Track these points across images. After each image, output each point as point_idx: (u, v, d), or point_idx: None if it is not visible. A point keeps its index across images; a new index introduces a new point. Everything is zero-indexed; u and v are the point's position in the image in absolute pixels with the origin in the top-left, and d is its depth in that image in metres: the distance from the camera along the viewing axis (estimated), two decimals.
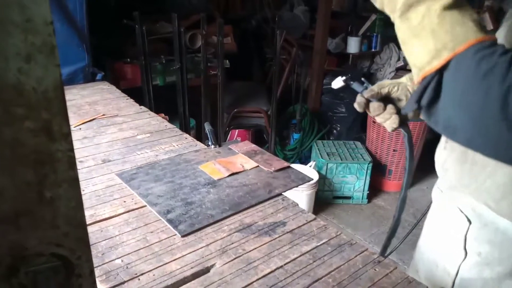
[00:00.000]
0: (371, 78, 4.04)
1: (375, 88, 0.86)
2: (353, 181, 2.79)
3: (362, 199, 2.85)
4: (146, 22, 2.23)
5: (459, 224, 0.85)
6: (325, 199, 2.81)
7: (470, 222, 0.83)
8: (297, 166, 2.55)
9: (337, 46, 3.59)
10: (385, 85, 0.87)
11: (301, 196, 2.53)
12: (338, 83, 0.96)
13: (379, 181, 3.05)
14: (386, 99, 0.86)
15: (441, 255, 0.92)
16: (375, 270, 0.82)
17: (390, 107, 0.85)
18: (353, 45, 3.63)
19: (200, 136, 2.33)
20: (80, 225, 0.42)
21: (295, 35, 3.52)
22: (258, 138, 3.16)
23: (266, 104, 2.99)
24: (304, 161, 3.12)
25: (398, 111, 0.86)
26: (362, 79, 0.90)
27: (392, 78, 3.91)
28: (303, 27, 3.68)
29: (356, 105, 0.88)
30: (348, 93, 3.53)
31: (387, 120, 0.86)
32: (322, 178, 2.74)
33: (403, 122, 0.87)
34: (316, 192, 2.64)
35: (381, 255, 0.90)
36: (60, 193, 0.40)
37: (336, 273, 0.81)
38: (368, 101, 0.86)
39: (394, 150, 3.04)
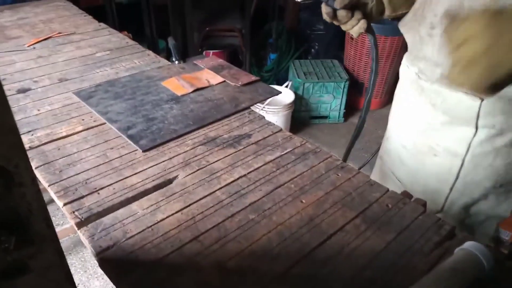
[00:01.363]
0: None
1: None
2: (330, 100, 2.77)
3: (338, 118, 2.86)
4: None
5: (470, 103, 0.83)
6: (301, 119, 2.81)
7: (482, 99, 0.82)
8: (273, 87, 2.50)
9: None
10: None
11: (277, 117, 2.52)
12: None
13: (356, 99, 3.04)
14: (352, 7, 0.88)
15: (438, 138, 0.91)
16: (337, 175, 0.82)
17: (357, 13, 0.88)
18: None
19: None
20: (11, 131, 0.39)
21: None
22: (234, 59, 3.06)
23: (241, 22, 2.85)
24: (282, 82, 3.07)
25: (365, 16, 0.88)
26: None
27: None
28: None
29: (325, 15, 0.90)
30: None
31: (354, 26, 0.89)
32: (299, 99, 2.71)
33: (369, 27, 0.90)
34: (292, 113, 2.63)
35: (343, 160, 0.90)
36: None
37: (298, 179, 0.81)
38: (334, 11, 0.87)
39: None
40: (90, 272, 1.76)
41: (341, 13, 0.87)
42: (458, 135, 0.89)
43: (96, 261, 1.82)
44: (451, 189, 0.94)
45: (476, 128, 0.85)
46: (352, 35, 0.91)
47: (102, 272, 1.77)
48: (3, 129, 0.38)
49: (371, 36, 0.95)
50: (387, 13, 0.93)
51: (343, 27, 0.91)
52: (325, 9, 0.88)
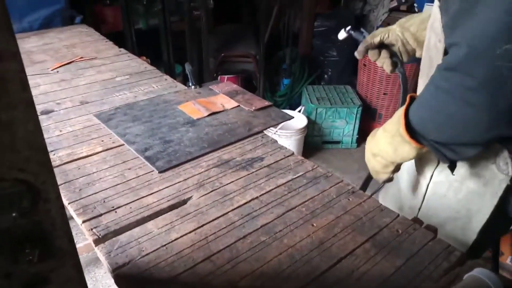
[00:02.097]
0: (364, 20, 3.93)
1: (368, 39, 0.99)
2: (343, 125, 2.79)
3: (351, 143, 2.87)
4: None
5: None
6: (314, 144, 2.83)
7: None
8: (286, 112, 2.54)
9: None
10: (376, 34, 1.00)
11: (290, 141, 2.54)
12: (342, 34, 1.14)
13: (369, 125, 3.05)
14: (382, 45, 1.00)
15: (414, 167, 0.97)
16: (348, 199, 0.84)
17: (384, 52, 1.00)
18: None
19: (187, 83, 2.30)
20: (41, 150, 0.42)
21: None
22: (248, 84, 3.12)
23: (255, 48, 2.92)
24: (295, 107, 3.11)
25: (391, 55, 1.00)
26: (361, 29, 1.07)
27: (386, 19, 3.80)
28: None
29: (356, 54, 1.03)
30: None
31: (383, 63, 1.01)
32: (312, 123, 2.74)
33: (397, 64, 1.00)
34: (305, 138, 2.65)
35: (362, 190, 0.92)
36: (16, 116, 0.39)
37: (310, 203, 0.82)
38: (367, 49, 1.01)
39: (384, 94, 3.02)
40: None
41: (370, 52, 1.01)
42: (428, 160, 0.93)
43: (107, 282, 1.83)
44: (419, 209, 0.96)
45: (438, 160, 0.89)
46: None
47: None
48: (34, 147, 0.41)
49: (399, 73, 1.01)
50: (418, 54, 0.99)
51: (378, 64, 1.02)
52: (359, 47, 1.01)
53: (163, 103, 1.20)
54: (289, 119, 1.20)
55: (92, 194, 0.83)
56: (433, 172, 0.92)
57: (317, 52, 3.36)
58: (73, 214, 0.78)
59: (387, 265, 0.68)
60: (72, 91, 1.28)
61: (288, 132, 2.49)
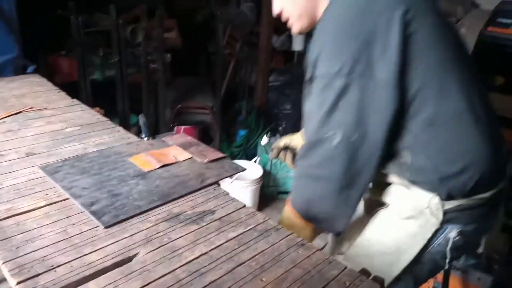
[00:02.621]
0: None
1: (275, 145, 1.36)
2: None
3: None
4: (82, 14, 2.14)
5: None
6: (270, 194, 2.85)
7: None
8: (242, 162, 2.56)
9: (283, 44, 3.65)
10: (281, 142, 1.35)
11: (246, 191, 2.55)
12: (264, 140, 1.68)
13: None
14: (287, 148, 1.34)
15: None
16: (298, 252, 0.84)
17: (288, 152, 1.34)
18: (298, 42, 3.69)
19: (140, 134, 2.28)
20: None
21: (242, 31, 3.54)
22: (205, 135, 3.14)
23: (212, 100, 2.98)
24: (251, 157, 3.14)
25: (294, 155, 1.32)
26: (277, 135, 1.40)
27: None
28: (250, 24, 3.70)
29: (269, 155, 1.39)
30: (293, 90, 3.61)
31: (287, 160, 1.34)
32: (267, 174, 2.77)
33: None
34: (261, 188, 2.67)
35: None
36: None
37: (260, 257, 0.82)
38: (278, 151, 1.35)
39: None
40: None
41: (281, 153, 1.34)
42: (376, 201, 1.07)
43: None
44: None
45: None
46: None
47: None
48: None
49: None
50: None
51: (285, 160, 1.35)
52: (272, 151, 1.36)
53: (114, 155, 1.18)
54: (242, 171, 1.21)
55: (31, 252, 0.78)
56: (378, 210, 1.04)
57: (272, 105, 3.48)
58: (7, 274, 0.73)
59: None
60: (18, 142, 1.24)
61: (243, 182, 2.50)
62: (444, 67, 0.91)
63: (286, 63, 4.02)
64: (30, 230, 0.85)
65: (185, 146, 1.28)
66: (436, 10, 0.95)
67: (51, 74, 2.25)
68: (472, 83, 0.94)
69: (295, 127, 3.47)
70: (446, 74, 0.90)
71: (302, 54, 3.93)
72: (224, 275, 0.76)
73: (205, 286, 0.73)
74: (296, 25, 1.05)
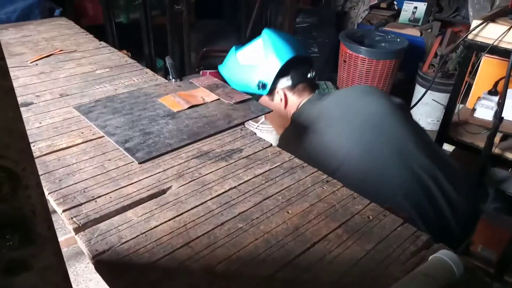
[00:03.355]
0: (345, 17, 3.98)
1: None
2: None
3: None
4: None
5: None
6: None
7: None
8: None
9: None
10: None
11: (272, 136, 2.57)
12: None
13: None
14: None
15: None
16: (323, 188, 0.87)
17: None
18: None
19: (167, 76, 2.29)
20: (21, 137, 0.43)
21: None
22: None
23: (237, 43, 2.93)
24: None
25: None
26: None
27: (366, 16, 3.87)
28: None
29: None
30: (321, 32, 3.50)
31: None
32: None
33: None
34: None
35: None
36: None
37: (286, 191, 0.85)
38: None
39: None
40: (82, 286, 1.77)
41: None
42: None
43: (88, 276, 1.83)
44: None
45: None
46: None
47: (94, 286, 1.79)
48: (14, 134, 0.43)
49: None
50: None
51: None
52: None
53: (143, 96, 1.21)
54: (268, 112, 1.22)
55: (72, 184, 0.84)
56: None
57: None
58: (53, 203, 0.79)
59: (358, 249, 0.72)
60: (51, 83, 1.28)
61: (269, 126, 2.52)
62: None
63: (313, 4, 3.86)
64: (70, 164, 0.90)
65: (212, 88, 1.29)
66: None
67: (77, 17, 2.25)
68: None
69: (323, 71, 3.41)
70: None
71: None
72: (252, 207, 0.80)
73: (235, 216, 0.78)
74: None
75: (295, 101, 1.33)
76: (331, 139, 1.13)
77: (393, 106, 1.19)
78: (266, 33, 1.34)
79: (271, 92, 1.34)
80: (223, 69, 1.44)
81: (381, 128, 1.12)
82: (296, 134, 1.23)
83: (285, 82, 1.32)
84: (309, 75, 1.33)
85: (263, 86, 1.32)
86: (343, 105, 1.21)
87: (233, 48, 1.43)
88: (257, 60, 1.33)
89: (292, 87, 1.32)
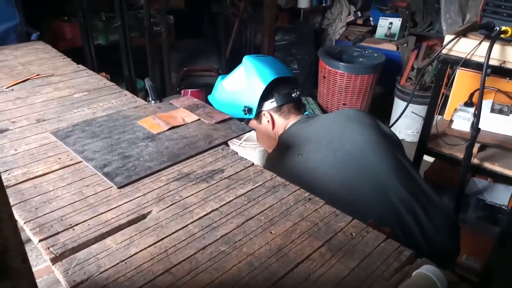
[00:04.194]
0: (323, 34, 4.06)
1: None
2: None
3: None
4: None
5: None
6: None
7: None
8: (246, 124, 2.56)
9: (288, 1, 3.56)
10: None
11: (255, 152, 2.57)
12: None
13: None
14: None
15: None
16: (305, 206, 0.87)
17: None
18: (304, 0, 3.60)
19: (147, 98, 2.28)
20: None
21: None
22: None
23: (217, 62, 2.95)
24: None
25: None
26: None
27: (343, 32, 3.95)
28: None
29: None
30: (300, 49, 3.55)
31: None
32: None
33: None
34: None
35: None
36: None
37: (268, 211, 0.85)
38: None
39: (343, 104, 3.12)
40: None
41: None
42: None
43: None
44: None
45: None
46: None
47: None
48: None
49: None
50: None
51: None
52: None
53: (122, 119, 1.20)
54: (249, 131, 1.22)
55: (49, 212, 0.82)
56: None
57: None
58: (29, 233, 0.76)
59: (342, 268, 0.72)
60: (28, 109, 1.25)
61: (252, 143, 2.52)
62: None
63: (291, 22, 3.93)
64: (46, 192, 0.88)
65: (192, 108, 1.29)
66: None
67: (54, 41, 2.23)
68: None
69: (303, 87, 3.44)
70: None
71: (308, 11, 3.83)
72: (235, 228, 0.79)
73: (218, 239, 0.76)
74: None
75: (282, 122, 1.34)
76: (315, 165, 1.13)
77: (379, 136, 1.19)
78: (247, 59, 1.36)
79: (258, 115, 1.35)
80: (212, 98, 1.45)
81: (363, 162, 1.12)
82: (281, 156, 1.22)
83: (270, 104, 1.33)
84: (293, 95, 1.34)
85: (249, 110, 1.33)
86: (330, 133, 1.21)
87: (219, 77, 1.45)
88: (241, 86, 1.35)
89: (278, 109, 1.33)
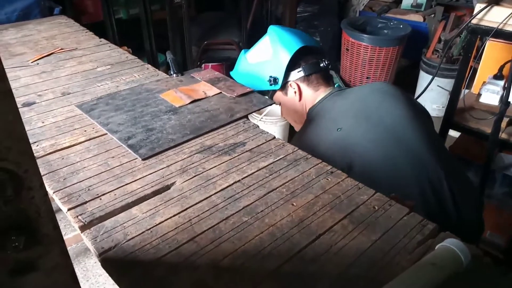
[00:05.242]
0: (347, 5, 3.94)
1: None
2: None
3: None
4: None
5: None
6: None
7: None
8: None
9: None
10: None
11: (276, 127, 2.56)
12: None
13: None
14: None
15: None
16: (327, 179, 0.86)
17: None
18: None
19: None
20: (22, 139, 0.43)
21: None
22: None
23: (238, 35, 2.92)
24: None
25: None
26: None
27: (368, 3, 3.82)
28: None
29: None
30: (322, 21, 3.46)
31: None
32: None
33: None
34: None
35: None
36: None
37: (290, 184, 0.85)
38: None
39: (367, 78, 3.05)
40: (92, 281, 1.79)
41: None
42: None
43: (97, 271, 1.85)
44: None
45: None
46: None
47: (104, 281, 1.81)
48: (15, 136, 0.43)
49: None
50: None
51: None
52: None
53: (145, 92, 1.21)
54: (270, 105, 1.22)
55: (77, 182, 0.84)
56: None
57: None
58: (58, 202, 0.79)
59: (364, 240, 0.72)
60: (53, 82, 1.28)
61: (273, 118, 2.51)
62: None
63: None
64: (74, 163, 0.90)
65: (213, 82, 1.29)
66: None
67: (76, 15, 2.25)
68: None
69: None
70: None
71: None
72: (256, 200, 0.80)
73: (240, 210, 0.78)
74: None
75: (311, 94, 1.28)
76: (356, 141, 1.09)
77: (414, 111, 1.15)
78: (272, 29, 1.32)
79: (284, 86, 1.29)
80: (235, 73, 1.40)
81: (403, 138, 1.09)
82: (317, 130, 1.18)
83: (297, 74, 1.27)
84: (322, 65, 1.28)
85: (275, 80, 1.27)
86: (368, 107, 1.16)
87: (242, 51, 1.40)
88: (266, 56, 1.30)
89: (306, 79, 1.27)
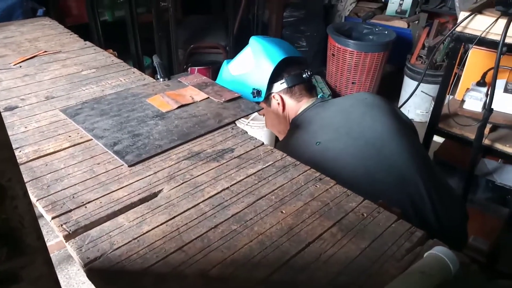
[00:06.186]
0: (332, 10, 3.98)
1: None
2: None
3: None
4: None
5: None
6: None
7: None
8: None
9: None
10: None
11: (263, 132, 2.56)
12: None
13: None
14: None
15: None
16: (316, 186, 0.86)
17: None
18: None
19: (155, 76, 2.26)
20: (4, 145, 0.42)
21: None
22: None
23: (225, 39, 2.91)
24: None
25: None
26: None
27: (353, 9, 3.86)
28: None
29: None
30: (309, 26, 3.49)
31: None
32: None
33: None
34: None
35: None
36: None
37: (279, 191, 0.85)
38: None
39: (352, 83, 3.08)
40: None
41: None
42: None
43: (80, 279, 1.81)
44: None
45: None
46: None
47: None
48: None
49: None
50: None
51: None
52: None
53: (131, 97, 1.19)
54: (258, 110, 1.21)
55: (61, 190, 0.82)
56: None
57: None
58: (42, 211, 0.77)
59: (353, 248, 0.72)
60: (36, 86, 1.25)
61: (260, 122, 2.51)
62: None
63: None
64: (58, 169, 0.88)
65: (201, 87, 1.28)
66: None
67: (61, 17, 2.21)
68: None
69: (311, 65, 3.40)
70: None
71: None
72: (245, 208, 0.79)
73: (229, 218, 0.77)
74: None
75: (294, 105, 1.29)
76: (335, 156, 1.08)
77: (398, 124, 1.15)
78: (254, 40, 1.32)
79: (268, 98, 1.30)
80: (219, 82, 1.39)
81: (384, 153, 1.08)
82: (296, 143, 1.17)
83: (280, 85, 1.28)
84: (304, 76, 1.29)
85: (258, 93, 1.28)
86: (349, 120, 1.15)
87: (224, 62, 1.40)
88: (248, 68, 1.30)
89: (289, 90, 1.28)
